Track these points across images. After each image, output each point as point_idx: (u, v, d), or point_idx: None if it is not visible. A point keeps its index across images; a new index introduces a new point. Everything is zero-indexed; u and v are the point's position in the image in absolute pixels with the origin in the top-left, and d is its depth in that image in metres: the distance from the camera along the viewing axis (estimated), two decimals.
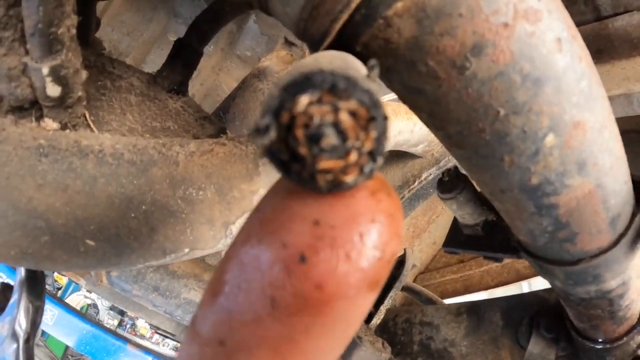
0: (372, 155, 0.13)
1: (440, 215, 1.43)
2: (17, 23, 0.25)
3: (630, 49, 0.71)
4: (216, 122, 0.40)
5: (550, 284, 0.41)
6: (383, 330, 0.90)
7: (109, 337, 1.97)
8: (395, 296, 0.92)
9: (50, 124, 0.30)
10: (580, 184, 0.25)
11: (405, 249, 0.90)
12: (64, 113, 0.27)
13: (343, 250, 0.14)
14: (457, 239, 0.57)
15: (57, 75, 0.26)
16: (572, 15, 0.55)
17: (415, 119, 0.64)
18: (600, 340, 0.46)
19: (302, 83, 0.12)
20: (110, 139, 0.28)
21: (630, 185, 0.30)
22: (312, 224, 0.14)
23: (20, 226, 0.28)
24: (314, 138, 0.12)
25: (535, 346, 0.57)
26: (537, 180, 0.26)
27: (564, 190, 0.26)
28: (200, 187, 0.26)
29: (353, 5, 0.19)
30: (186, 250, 0.32)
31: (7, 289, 0.79)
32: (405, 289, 0.92)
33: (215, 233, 0.29)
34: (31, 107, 0.29)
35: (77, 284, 2.78)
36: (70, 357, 3.36)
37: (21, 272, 0.73)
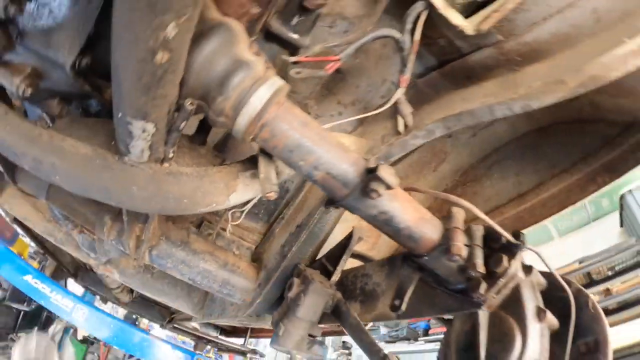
0: None
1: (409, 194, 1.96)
2: None
3: (487, 73, 1.14)
4: (220, 156, 0.95)
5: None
6: (341, 285, 1.43)
7: (133, 330, 2.54)
8: (346, 260, 1.45)
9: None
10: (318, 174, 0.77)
11: (353, 227, 1.44)
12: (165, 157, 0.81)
13: None
14: None
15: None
16: (442, 55, 1.10)
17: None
18: (420, 254, 0.98)
19: None
20: (180, 167, 0.82)
21: (350, 166, 0.80)
22: None
23: None
24: None
25: (404, 271, 1.10)
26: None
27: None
28: (214, 179, 0.81)
29: None
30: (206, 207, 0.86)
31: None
32: (354, 255, 1.46)
33: (218, 202, 0.84)
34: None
35: (94, 294, 3.38)
36: None
37: None
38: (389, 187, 0.67)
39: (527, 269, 1.07)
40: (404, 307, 1.03)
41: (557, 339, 1.05)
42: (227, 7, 0.88)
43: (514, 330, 0.99)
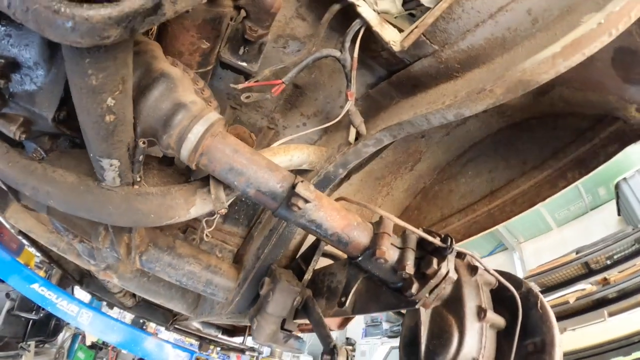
0: None
1: (382, 205, 2.15)
2: None
3: (431, 81, 1.26)
4: (186, 175, 1.18)
5: None
6: (312, 283, 1.65)
7: (137, 332, 2.85)
8: (317, 260, 1.66)
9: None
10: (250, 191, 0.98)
11: None
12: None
13: None
14: None
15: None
16: (389, 66, 1.27)
17: (292, 153, 1.39)
18: (353, 256, 1.16)
19: None
20: (148, 188, 1.05)
21: (277, 183, 0.99)
22: None
23: None
24: None
25: (351, 271, 1.30)
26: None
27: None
28: (175, 196, 1.03)
29: None
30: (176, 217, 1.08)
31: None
32: (325, 254, 1.67)
33: (180, 215, 1.06)
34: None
35: (100, 300, 3.73)
36: None
37: None
38: (307, 201, 0.88)
39: (472, 270, 1.21)
40: (347, 304, 1.22)
41: (506, 337, 1.15)
42: (180, 45, 1.10)
43: (452, 327, 1.11)
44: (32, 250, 2.51)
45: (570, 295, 5.59)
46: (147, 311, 3.25)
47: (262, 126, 1.65)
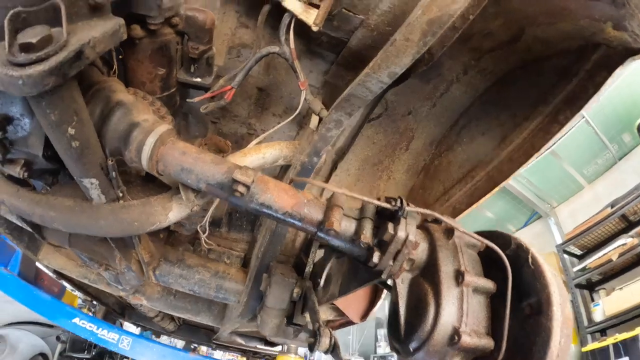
0: None
1: (385, 190, 2.29)
2: None
3: (374, 52, 1.14)
4: (167, 186, 1.44)
5: None
6: (314, 275, 1.83)
7: (177, 351, 3.20)
8: (315, 252, 1.84)
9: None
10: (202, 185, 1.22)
11: None
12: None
13: None
14: None
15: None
16: (333, 48, 1.40)
17: (263, 151, 1.60)
18: (311, 233, 1.32)
19: None
20: (130, 201, 1.32)
21: (222, 174, 1.19)
22: None
23: None
24: None
25: (325, 255, 1.46)
26: None
27: None
28: (153, 205, 1.28)
29: None
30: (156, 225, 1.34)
31: None
32: (322, 245, 1.85)
33: (161, 221, 1.31)
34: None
35: (146, 329, 4.18)
36: None
37: None
38: (246, 185, 1.08)
39: (448, 232, 1.21)
40: (321, 283, 1.37)
41: (501, 301, 1.08)
42: (140, 76, 1.37)
43: (428, 295, 1.08)
44: (74, 291, 2.95)
45: (613, 252, 5.42)
46: (189, 333, 3.60)
47: (243, 133, 1.90)
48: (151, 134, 1.09)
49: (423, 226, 1.28)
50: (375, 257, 1.11)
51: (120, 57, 1.33)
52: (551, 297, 1.01)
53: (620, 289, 5.50)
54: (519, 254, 1.16)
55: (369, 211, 1.22)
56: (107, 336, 2.85)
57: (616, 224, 6.01)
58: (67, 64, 0.79)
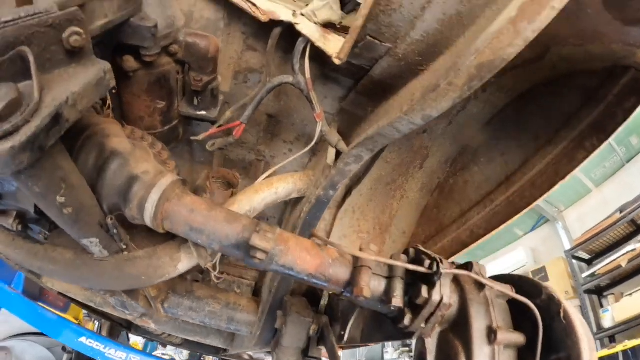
0: None
1: (399, 210, 2.17)
2: None
3: (399, 82, 1.16)
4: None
5: None
6: (329, 307, 1.73)
7: None
8: None
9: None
10: (215, 246, 1.10)
11: None
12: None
13: None
14: None
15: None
16: (351, 75, 1.27)
17: (275, 186, 1.47)
18: (338, 292, 1.18)
19: None
20: (135, 252, 1.21)
21: (237, 236, 1.04)
22: None
23: None
24: None
25: (346, 303, 1.36)
26: None
27: None
28: (160, 256, 1.17)
29: None
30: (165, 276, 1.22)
31: None
32: None
33: (169, 272, 1.19)
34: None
35: (152, 341, 4.10)
36: None
37: None
38: (265, 252, 0.96)
39: (479, 286, 1.14)
40: (348, 334, 1.26)
41: (530, 353, 1.07)
42: (138, 111, 1.24)
43: (460, 355, 1.05)
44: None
45: (622, 258, 5.34)
46: (196, 345, 3.52)
47: (252, 160, 1.77)
48: (154, 189, 0.97)
49: (454, 277, 1.17)
50: (407, 320, 1.05)
51: (114, 91, 1.19)
52: (581, 354, 1.01)
53: (630, 295, 5.40)
54: (550, 307, 1.12)
55: (400, 270, 1.11)
56: (114, 355, 2.77)
57: (625, 228, 5.91)
58: (43, 134, 0.62)
